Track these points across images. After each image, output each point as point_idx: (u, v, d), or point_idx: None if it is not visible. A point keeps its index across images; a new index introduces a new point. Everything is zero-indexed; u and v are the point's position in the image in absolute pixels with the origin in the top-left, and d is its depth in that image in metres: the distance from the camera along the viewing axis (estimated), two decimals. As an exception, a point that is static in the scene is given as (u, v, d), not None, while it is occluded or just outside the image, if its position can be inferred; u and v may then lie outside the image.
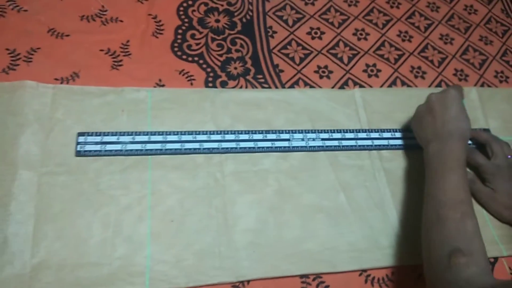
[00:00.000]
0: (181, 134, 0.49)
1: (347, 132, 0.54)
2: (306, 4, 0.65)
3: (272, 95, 0.55)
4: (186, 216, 0.45)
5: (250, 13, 0.62)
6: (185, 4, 0.60)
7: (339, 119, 0.55)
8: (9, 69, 0.49)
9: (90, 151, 0.46)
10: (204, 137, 0.49)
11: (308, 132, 0.53)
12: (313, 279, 0.45)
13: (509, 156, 0.52)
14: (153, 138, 0.48)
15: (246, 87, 0.55)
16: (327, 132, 0.53)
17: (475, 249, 0.38)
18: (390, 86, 0.60)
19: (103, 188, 0.45)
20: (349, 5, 0.67)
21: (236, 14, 0.61)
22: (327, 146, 0.52)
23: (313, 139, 0.52)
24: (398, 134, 0.55)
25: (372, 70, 0.61)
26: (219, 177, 0.48)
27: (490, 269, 0.38)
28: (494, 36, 0.70)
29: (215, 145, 0.49)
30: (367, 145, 0.53)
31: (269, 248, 0.45)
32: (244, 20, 0.61)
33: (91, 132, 0.47)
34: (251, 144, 0.50)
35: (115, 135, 0.47)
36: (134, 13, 0.57)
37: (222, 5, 0.61)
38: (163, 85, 0.52)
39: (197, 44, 0.57)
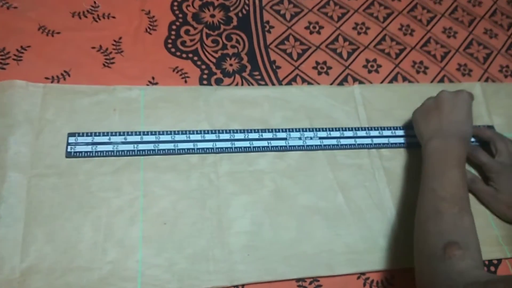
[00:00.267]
0: (175, 134, 0.48)
1: (346, 130, 0.52)
2: (304, -3, 0.63)
3: (268, 93, 0.53)
4: (179, 219, 0.44)
5: (246, 8, 0.60)
6: (179, -1, 0.58)
7: (337, 117, 0.53)
8: (-1, 68, 0.48)
9: (80, 152, 0.45)
10: (198, 137, 0.48)
11: (306, 131, 0.51)
12: (310, 283, 0.44)
13: (514, 154, 0.51)
14: (146, 138, 0.47)
15: (242, 84, 0.54)
16: (325, 131, 0.52)
17: (471, 244, 0.38)
18: (390, 82, 0.59)
19: (94, 190, 0.44)
20: (349, -2, 0.65)
21: (232, 8, 0.59)
22: (325, 145, 0.51)
23: (311, 138, 0.51)
24: (398, 132, 0.53)
25: (372, 66, 0.59)
26: (213, 178, 0.47)
27: (483, 266, 0.38)
28: (499, 29, 0.68)
29: (209, 145, 0.48)
30: (367, 144, 0.52)
31: (265, 251, 0.44)
32: (240, 14, 0.59)
33: (81, 133, 0.46)
34: (246, 144, 0.49)
35: (106, 135, 0.46)
36: (127, 8, 0.56)
37: (217, 0, 0.60)
38: (156, 83, 0.51)
39: (191, 40, 0.55)
